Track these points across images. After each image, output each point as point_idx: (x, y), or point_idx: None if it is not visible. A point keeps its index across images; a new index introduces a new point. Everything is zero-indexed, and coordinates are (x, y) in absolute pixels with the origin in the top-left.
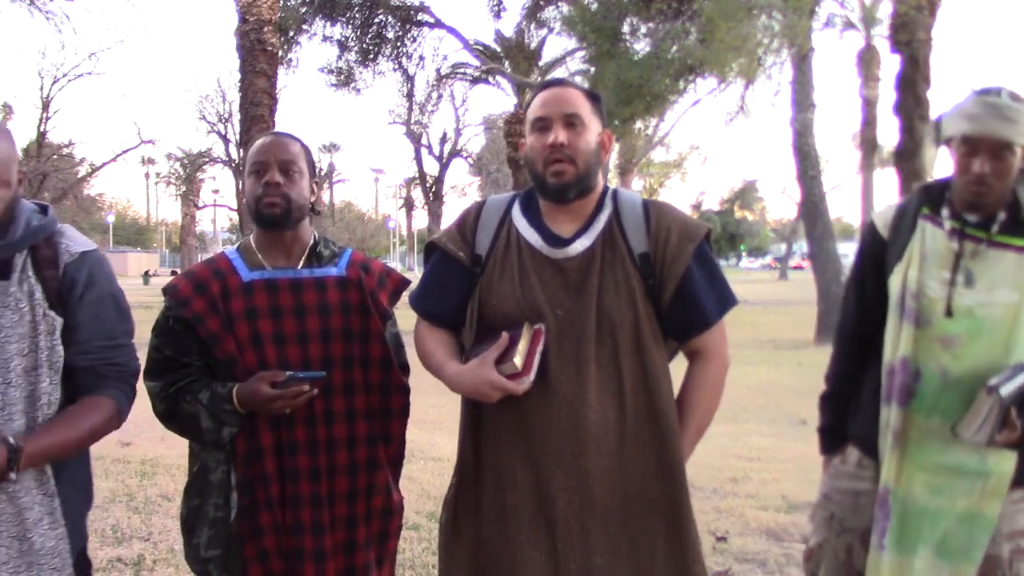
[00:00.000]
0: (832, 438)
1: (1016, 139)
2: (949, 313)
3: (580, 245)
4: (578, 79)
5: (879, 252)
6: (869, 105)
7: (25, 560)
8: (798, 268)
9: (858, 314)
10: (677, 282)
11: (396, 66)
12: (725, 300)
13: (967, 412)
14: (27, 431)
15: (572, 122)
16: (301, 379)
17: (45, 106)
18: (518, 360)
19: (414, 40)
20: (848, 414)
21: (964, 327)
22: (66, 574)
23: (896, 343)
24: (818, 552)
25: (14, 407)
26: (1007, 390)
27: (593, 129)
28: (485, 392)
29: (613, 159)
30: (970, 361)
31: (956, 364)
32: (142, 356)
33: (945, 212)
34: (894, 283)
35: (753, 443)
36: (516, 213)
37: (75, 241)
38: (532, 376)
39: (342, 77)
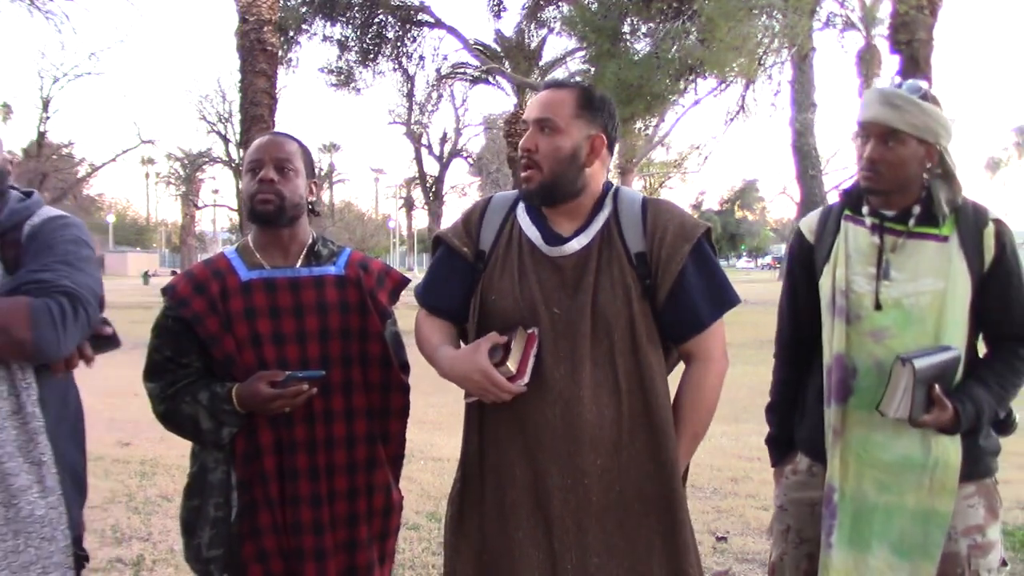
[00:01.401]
0: (780, 448)
1: (899, 125)
2: (878, 306)
3: (577, 244)
4: (578, 79)
5: (807, 256)
6: None
7: (11, 528)
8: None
9: (792, 320)
10: (672, 282)
11: (396, 66)
12: (722, 302)
13: (886, 388)
14: (13, 408)
15: (543, 127)
16: (300, 378)
17: (45, 106)
18: (511, 364)
19: (414, 40)
20: (794, 422)
21: (893, 318)
22: (60, 545)
23: (831, 342)
24: (779, 565)
25: None
26: (922, 363)
27: (572, 134)
28: (476, 380)
29: (613, 159)
30: (902, 350)
31: (889, 355)
32: (142, 357)
33: (865, 210)
34: (824, 284)
35: (753, 443)
36: (520, 210)
37: (42, 215)
38: (526, 379)
39: (342, 77)
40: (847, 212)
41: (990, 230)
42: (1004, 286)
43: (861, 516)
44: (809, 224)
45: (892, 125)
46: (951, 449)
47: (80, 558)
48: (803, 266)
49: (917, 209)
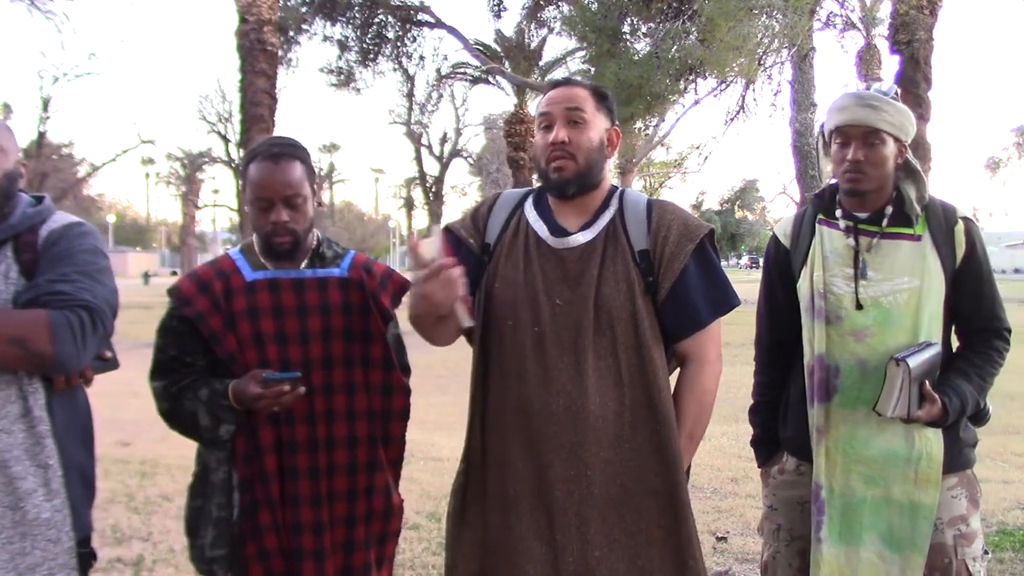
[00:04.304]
0: (766, 449)
1: (882, 126)
2: (859, 306)
3: (582, 237)
4: (579, 79)
5: (783, 261)
6: None
7: (19, 531)
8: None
9: (771, 323)
10: (673, 280)
11: (396, 66)
12: (721, 303)
13: (882, 389)
14: (20, 411)
15: (574, 119)
16: (279, 379)
17: (45, 106)
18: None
19: (414, 40)
20: (777, 423)
21: (873, 317)
22: (64, 547)
23: (811, 343)
24: (772, 564)
25: None
26: (915, 361)
27: (597, 126)
28: (417, 291)
29: (613, 159)
30: (883, 348)
31: (871, 353)
32: (147, 356)
33: (839, 213)
34: (803, 287)
35: None
36: (528, 205)
37: (59, 220)
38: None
39: (342, 77)
40: (820, 216)
41: (960, 227)
42: (975, 281)
43: (850, 510)
44: (784, 229)
45: (874, 125)
46: (934, 442)
47: (87, 557)
48: (780, 270)
49: (890, 209)
